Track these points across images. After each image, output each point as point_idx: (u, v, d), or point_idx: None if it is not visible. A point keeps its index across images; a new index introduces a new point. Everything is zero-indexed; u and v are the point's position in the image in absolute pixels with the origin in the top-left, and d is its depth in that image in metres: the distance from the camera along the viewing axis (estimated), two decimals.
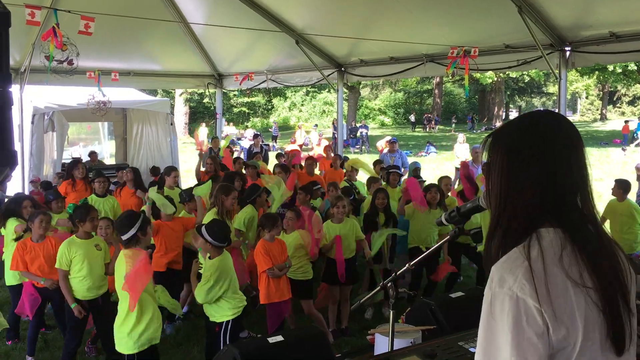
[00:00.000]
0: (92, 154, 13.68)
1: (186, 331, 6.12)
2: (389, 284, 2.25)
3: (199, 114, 44.45)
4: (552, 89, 49.96)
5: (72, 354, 4.97)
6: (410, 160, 12.99)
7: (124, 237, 4.36)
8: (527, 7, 7.07)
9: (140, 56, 11.66)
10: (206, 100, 42.37)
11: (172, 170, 8.09)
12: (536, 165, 1.38)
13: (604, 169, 18.51)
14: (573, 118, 50.18)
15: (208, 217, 5.84)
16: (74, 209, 5.20)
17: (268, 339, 3.22)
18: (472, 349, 2.47)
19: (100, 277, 5.00)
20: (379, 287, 2.38)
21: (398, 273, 2.29)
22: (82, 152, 17.93)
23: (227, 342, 4.53)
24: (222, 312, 4.67)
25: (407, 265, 2.31)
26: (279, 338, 3.23)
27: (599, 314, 1.30)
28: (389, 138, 12.89)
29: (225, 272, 4.65)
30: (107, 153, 19.28)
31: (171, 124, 13.86)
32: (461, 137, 16.79)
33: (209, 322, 4.77)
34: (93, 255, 4.93)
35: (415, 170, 9.10)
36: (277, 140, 31.90)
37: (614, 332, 1.31)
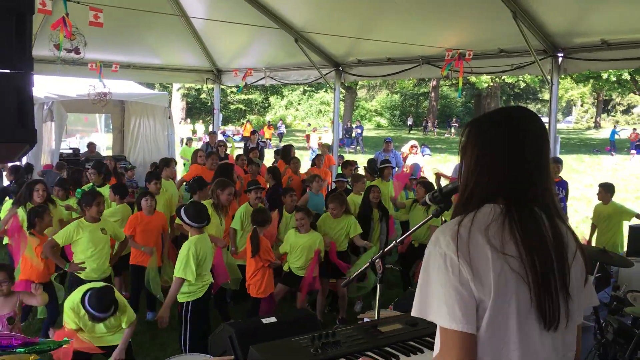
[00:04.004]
0: (91, 145, 13.83)
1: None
2: (377, 260, 2.42)
3: (195, 109, 44.54)
4: (547, 95, 50.21)
5: None
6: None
7: None
8: (521, 13, 7.23)
9: (141, 49, 11.76)
10: (203, 95, 42.54)
11: (169, 161, 8.23)
12: (497, 153, 1.60)
13: (595, 176, 18.75)
14: (568, 125, 50.57)
15: None
16: (81, 194, 5.51)
17: (262, 319, 3.39)
18: None
19: (104, 261, 5.27)
20: (368, 264, 2.56)
21: (386, 250, 2.45)
22: (79, 143, 18.04)
23: (188, 324, 4.69)
24: (183, 292, 4.79)
25: (394, 242, 2.48)
26: (273, 319, 3.40)
27: (519, 282, 1.50)
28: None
29: (202, 252, 4.77)
30: (104, 145, 19.38)
31: (169, 118, 13.98)
32: None
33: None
34: (98, 239, 5.20)
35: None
36: (282, 139, 32.10)
37: (540, 305, 1.50)
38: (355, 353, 2.10)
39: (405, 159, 12.56)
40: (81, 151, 14.06)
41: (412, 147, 12.73)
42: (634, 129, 29.73)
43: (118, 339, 4.33)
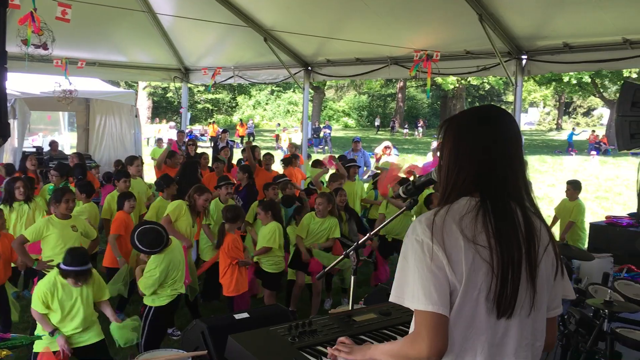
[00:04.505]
0: (53, 144, 13.57)
1: None
2: (351, 252, 2.48)
3: (161, 108, 44.02)
4: (510, 97, 51.20)
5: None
6: (373, 161, 13.35)
7: None
8: (487, 16, 7.40)
9: (107, 46, 11.55)
10: (169, 94, 42.05)
11: (135, 159, 8.14)
12: (473, 151, 1.67)
13: (557, 176, 19.22)
14: (530, 127, 51.70)
15: (172, 206, 6.00)
16: (53, 190, 5.48)
17: (234, 315, 3.41)
18: None
19: None
20: (342, 256, 2.61)
21: (359, 242, 2.51)
22: (42, 142, 17.68)
23: (146, 328, 4.68)
24: (149, 297, 4.78)
25: (367, 235, 2.54)
26: (245, 315, 3.42)
27: (489, 272, 1.57)
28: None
29: (168, 265, 4.71)
30: (67, 144, 18.98)
31: (136, 116, 13.81)
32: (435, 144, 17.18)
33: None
34: (69, 236, 5.11)
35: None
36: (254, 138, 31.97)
37: (500, 294, 1.57)
38: (331, 341, 2.15)
39: (378, 159, 12.70)
40: (44, 150, 13.80)
41: (385, 147, 12.89)
42: (593, 131, 30.63)
43: (89, 339, 4.26)
